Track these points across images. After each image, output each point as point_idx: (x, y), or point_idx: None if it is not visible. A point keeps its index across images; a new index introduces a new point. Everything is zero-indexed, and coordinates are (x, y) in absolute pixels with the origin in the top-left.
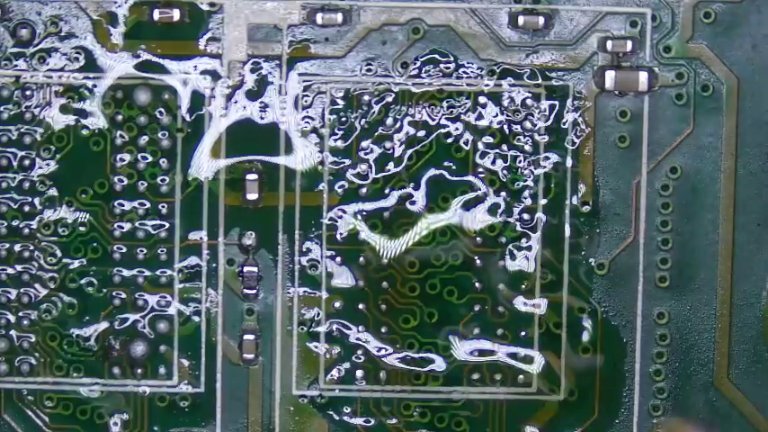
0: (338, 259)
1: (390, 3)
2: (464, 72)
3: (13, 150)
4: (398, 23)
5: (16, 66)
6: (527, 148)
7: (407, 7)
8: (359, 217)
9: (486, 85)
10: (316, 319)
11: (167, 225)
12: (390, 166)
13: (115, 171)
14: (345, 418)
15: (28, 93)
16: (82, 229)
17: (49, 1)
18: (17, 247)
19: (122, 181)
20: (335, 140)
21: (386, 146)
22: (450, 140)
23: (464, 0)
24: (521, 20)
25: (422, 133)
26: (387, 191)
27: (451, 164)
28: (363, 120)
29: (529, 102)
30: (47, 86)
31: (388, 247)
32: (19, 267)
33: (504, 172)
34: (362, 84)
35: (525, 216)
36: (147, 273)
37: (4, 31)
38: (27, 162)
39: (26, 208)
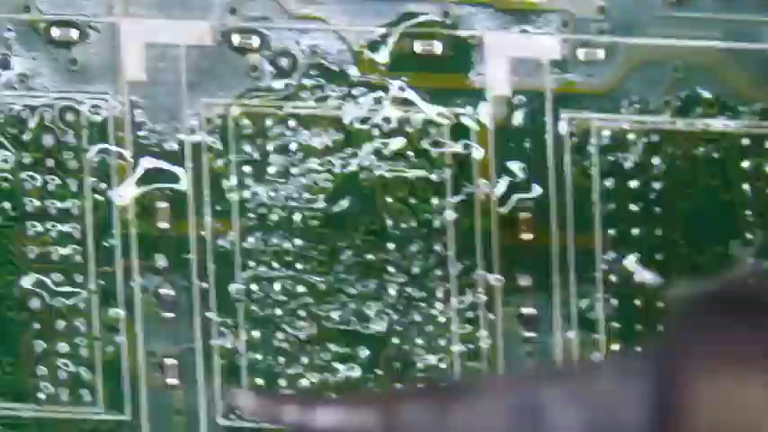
0: (614, 302)
1: (653, 41)
2: (729, 113)
3: None
4: (661, 63)
5: None
6: None
7: (671, 45)
8: (633, 259)
9: (752, 127)
10: None
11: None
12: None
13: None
14: None
15: None
16: None
17: (310, 30)
18: None
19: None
20: (604, 181)
21: (654, 186)
22: (715, 182)
23: (728, 40)
24: None
25: (686, 174)
26: (658, 233)
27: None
28: (629, 160)
29: None
30: None
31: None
32: None
33: None
34: (626, 122)
35: None
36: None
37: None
38: None
39: None
